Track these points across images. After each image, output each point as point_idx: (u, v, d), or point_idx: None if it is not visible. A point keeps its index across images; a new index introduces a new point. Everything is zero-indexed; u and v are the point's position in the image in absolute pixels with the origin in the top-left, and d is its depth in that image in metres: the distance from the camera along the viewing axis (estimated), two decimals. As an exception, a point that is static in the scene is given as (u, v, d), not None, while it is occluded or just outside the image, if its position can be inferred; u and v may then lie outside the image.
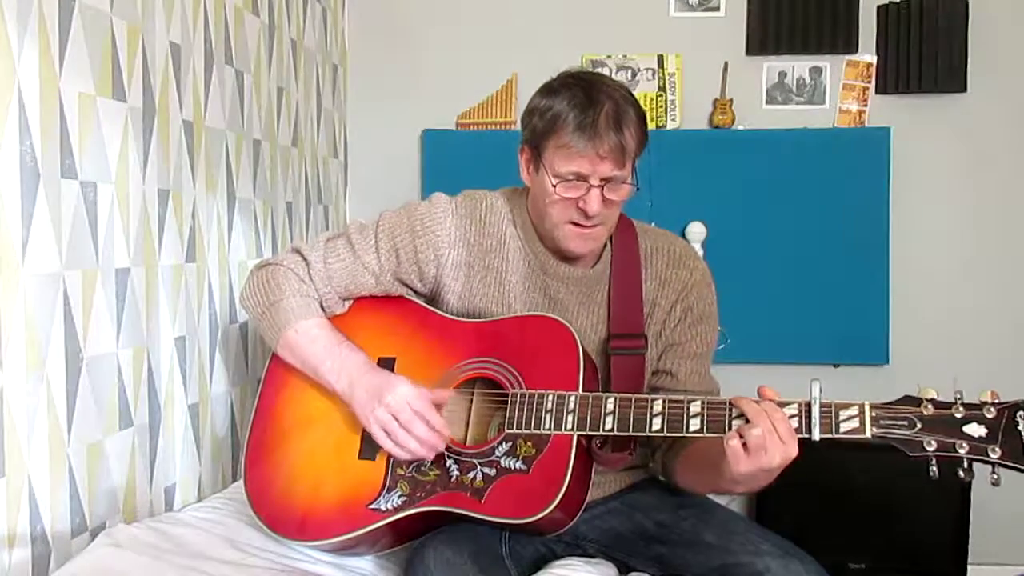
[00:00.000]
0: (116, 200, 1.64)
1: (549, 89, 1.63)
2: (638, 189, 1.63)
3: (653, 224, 1.82)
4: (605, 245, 1.74)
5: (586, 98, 1.56)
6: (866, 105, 3.10)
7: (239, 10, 2.22)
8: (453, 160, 3.12)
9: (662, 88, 3.13)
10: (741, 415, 1.40)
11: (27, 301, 1.39)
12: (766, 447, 1.35)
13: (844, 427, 1.35)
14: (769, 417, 1.36)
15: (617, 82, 1.65)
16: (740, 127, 3.11)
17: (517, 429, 1.53)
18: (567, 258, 1.70)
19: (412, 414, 1.54)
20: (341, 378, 1.62)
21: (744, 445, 1.36)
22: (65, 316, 1.48)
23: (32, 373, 1.40)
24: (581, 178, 1.57)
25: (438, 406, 1.59)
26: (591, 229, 1.61)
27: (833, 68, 3.11)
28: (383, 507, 1.56)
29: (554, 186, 1.58)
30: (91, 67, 1.56)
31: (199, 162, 1.99)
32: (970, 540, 2.82)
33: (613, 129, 1.54)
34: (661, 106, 3.12)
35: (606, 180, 1.57)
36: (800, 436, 1.37)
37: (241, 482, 1.74)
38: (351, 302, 1.77)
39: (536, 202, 1.67)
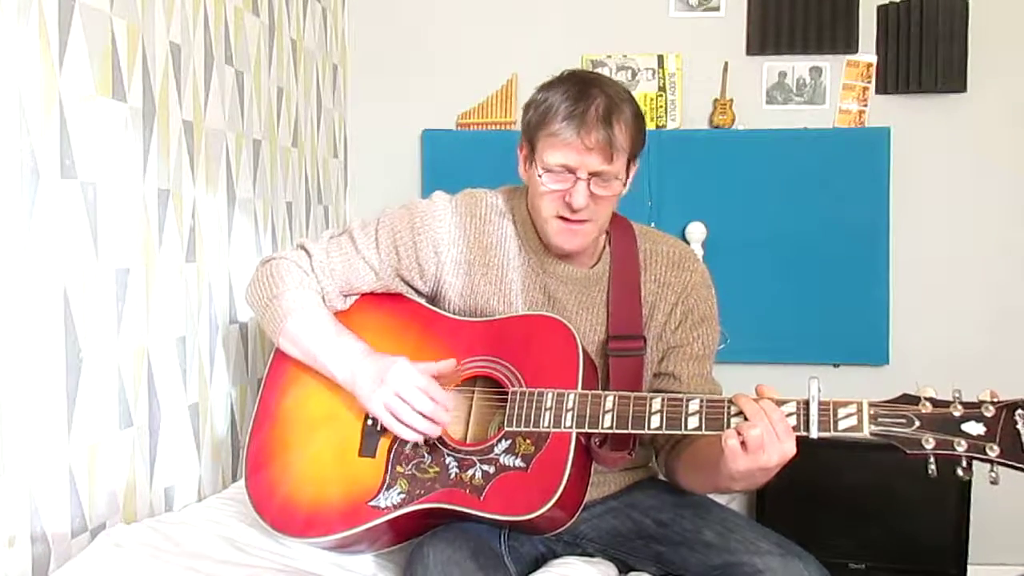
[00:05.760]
0: (116, 200, 1.64)
1: (547, 84, 1.64)
2: (626, 186, 1.63)
3: (653, 225, 1.82)
4: (604, 247, 1.74)
5: (579, 92, 1.57)
6: (866, 105, 3.10)
7: (239, 10, 2.22)
8: (453, 160, 3.12)
9: (662, 88, 3.13)
10: (740, 413, 1.40)
11: (27, 301, 1.39)
12: (764, 446, 1.35)
13: (842, 425, 1.35)
14: (767, 416, 1.36)
15: (616, 82, 1.66)
16: (740, 127, 3.11)
17: (516, 427, 1.54)
18: (566, 256, 1.70)
19: (414, 390, 1.55)
20: (342, 366, 1.62)
21: (743, 444, 1.36)
22: (65, 316, 1.48)
23: (32, 373, 1.40)
24: (569, 170, 1.57)
25: (443, 380, 1.59)
26: (578, 225, 1.61)
27: (833, 68, 3.11)
28: (383, 504, 1.56)
29: (541, 177, 1.59)
30: (91, 67, 1.56)
31: (199, 162, 1.99)
32: (970, 540, 2.82)
33: (602, 122, 1.54)
34: (661, 106, 3.12)
35: (594, 174, 1.57)
36: (798, 434, 1.37)
37: (242, 482, 1.75)
38: (352, 300, 1.77)
39: (530, 197, 1.68)
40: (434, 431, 1.56)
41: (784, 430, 1.36)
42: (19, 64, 1.37)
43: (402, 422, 1.55)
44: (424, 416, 1.54)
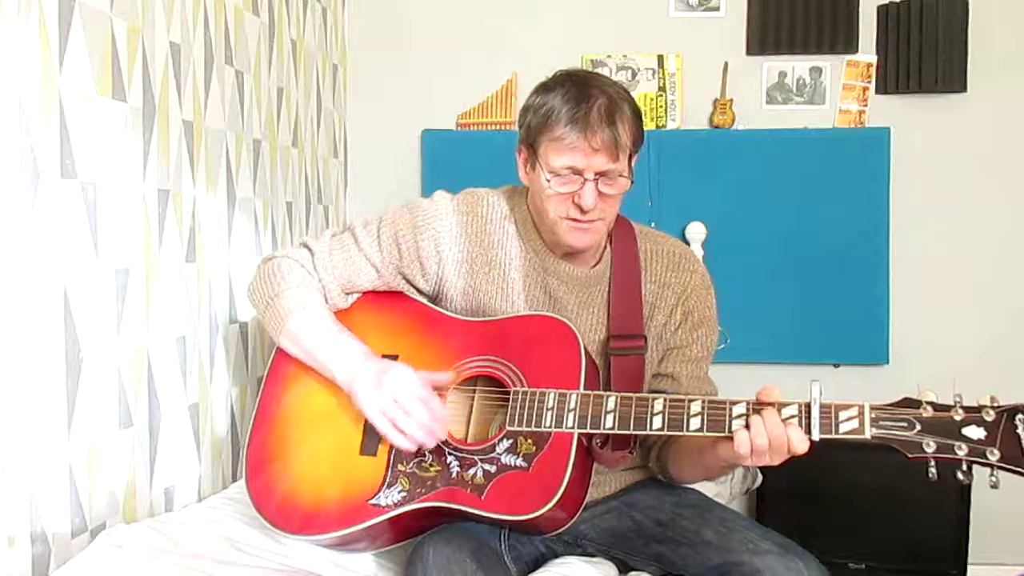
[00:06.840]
0: (116, 200, 1.64)
1: (544, 87, 1.64)
2: (633, 183, 1.63)
3: (653, 225, 1.82)
4: (605, 247, 1.74)
5: (579, 93, 1.57)
6: (866, 105, 3.10)
7: (239, 10, 2.22)
8: (453, 160, 3.12)
9: (662, 88, 3.13)
10: (740, 415, 1.41)
11: (27, 301, 1.39)
12: (772, 459, 1.39)
13: (844, 428, 1.36)
14: (791, 449, 1.38)
15: (612, 80, 1.66)
16: (740, 127, 3.11)
17: (518, 427, 1.53)
18: (567, 256, 1.71)
19: (413, 399, 1.54)
20: (342, 367, 1.62)
21: (752, 450, 1.39)
22: (65, 316, 1.48)
23: (32, 373, 1.40)
24: (576, 172, 1.58)
25: (439, 389, 1.59)
26: (589, 223, 1.62)
27: (833, 68, 3.11)
28: (383, 503, 1.56)
29: (548, 181, 1.59)
30: (91, 67, 1.56)
31: (199, 162, 1.99)
32: (970, 540, 2.82)
33: (606, 122, 1.55)
34: (661, 106, 3.12)
35: (600, 174, 1.57)
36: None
37: (242, 482, 1.75)
38: (354, 298, 1.77)
39: (535, 199, 1.68)
40: (429, 443, 1.55)
41: (799, 442, 1.38)
42: (19, 64, 1.37)
43: (398, 429, 1.55)
44: (420, 424, 1.54)
